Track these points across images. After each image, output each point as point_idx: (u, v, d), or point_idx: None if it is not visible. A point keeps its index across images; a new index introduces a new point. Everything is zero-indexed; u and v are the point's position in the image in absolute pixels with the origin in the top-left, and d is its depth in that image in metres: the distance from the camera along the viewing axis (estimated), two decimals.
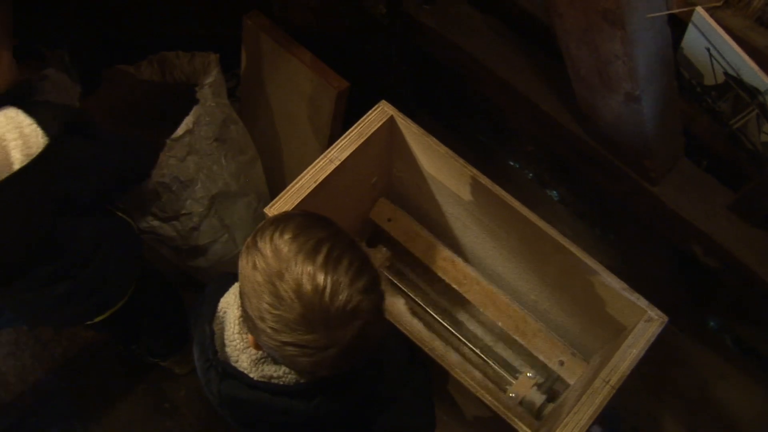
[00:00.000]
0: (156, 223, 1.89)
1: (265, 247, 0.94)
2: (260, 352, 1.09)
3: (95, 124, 1.56)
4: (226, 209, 1.98)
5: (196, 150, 1.83)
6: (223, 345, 1.13)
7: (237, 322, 1.11)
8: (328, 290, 0.91)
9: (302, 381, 1.09)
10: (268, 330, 0.93)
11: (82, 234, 1.58)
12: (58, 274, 1.56)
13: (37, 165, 1.31)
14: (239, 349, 1.11)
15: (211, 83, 1.82)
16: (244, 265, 0.97)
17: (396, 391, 1.27)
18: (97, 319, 1.75)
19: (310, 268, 0.91)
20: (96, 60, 2.05)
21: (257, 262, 0.94)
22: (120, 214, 1.76)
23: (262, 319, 0.93)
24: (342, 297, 0.91)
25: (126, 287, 1.76)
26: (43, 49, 1.75)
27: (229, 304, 1.15)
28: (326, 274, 0.91)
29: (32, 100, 1.41)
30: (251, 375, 1.10)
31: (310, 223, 0.97)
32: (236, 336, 1.11)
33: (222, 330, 1.14)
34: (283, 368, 1.09)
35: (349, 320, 0.92)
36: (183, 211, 1.88)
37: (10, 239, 1.40)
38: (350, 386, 1.12)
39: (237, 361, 1.11)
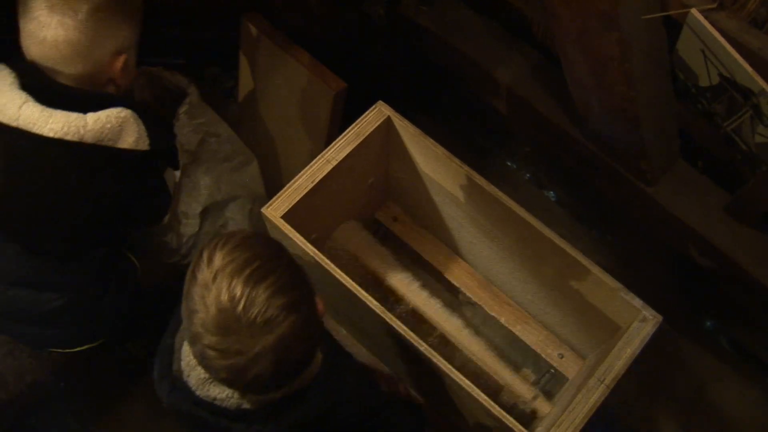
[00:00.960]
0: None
1: (205, 258, 1.01)
2: (207, 374, 1.12)
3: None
4: (218, 217, 2.00)
5: (184, 183, 1.89)
6: (180, 359, 1.17)
7: None
8: (242, 301, 0.96)
9: (244, 406, 1.12)
10: (194, 332, 0.99)
11: (93, 257, 1.59)
12: (57, 283, 1.57)
13: (132, 160, 1.41)
14: (191, 366, 1.14)
15: (185, 111, 1.84)
16: (188, 272, 1.03)
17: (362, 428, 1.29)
18: (76, 349, 1.76)
19: (233, 281, 0.97)
20: None
21: (196, 271, 1.01)
22: (130, 255, 1.78)
23: (191, 323, 1.00)
24: (255, 310, 0.96)
25: (112, 329, 1.78)
26: None
27: None
28: (245, 287, 0.97)
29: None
30: (197, 393, 1.14)
31: (253, 243, 1.03)
32: (190, 353, 1.14)
33: (181, 344, 1.19)
34: (227, 392, 1.12)
35: (261, 332, 0.97)
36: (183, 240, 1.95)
37: (66, 199, 1.43)
38: (292, 416, 1.14)
39: (188, 377, 1.15)
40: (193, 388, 1.14)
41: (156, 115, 1.71)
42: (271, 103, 2.06)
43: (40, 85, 1.32)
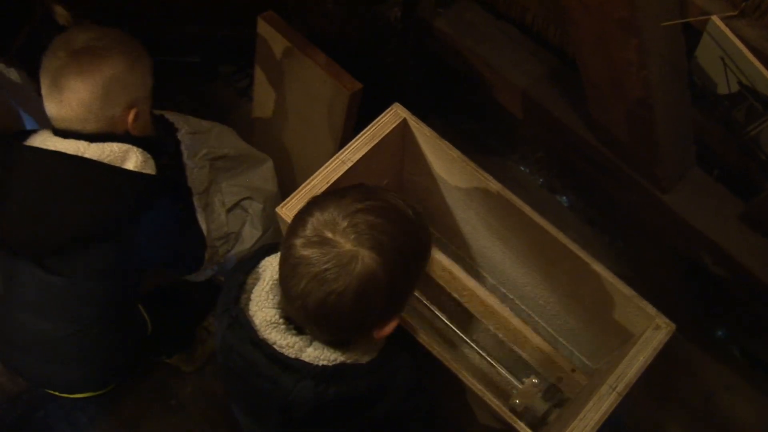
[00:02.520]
0: None
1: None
2: (275, 317, 1.13)
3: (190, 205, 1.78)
4: (234, 223, 2.02)
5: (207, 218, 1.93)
6: (249, 298, 1.17)
7: (271, 282, 1.16)
8: (345, 222, 1.02)
9: (301, 359, 1.11)
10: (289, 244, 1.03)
11: (103, 294, 1.59)
12: (66, 312, 1.58)
13: (135, 179, 1.47)
14: (260, 306, 1.14)
15: (187, 155, 1.89)
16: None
17: (397, 419, 1.28)
18: (74, 395, 1.82)
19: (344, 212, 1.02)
20: None
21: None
22: (142, 310, 1.81)
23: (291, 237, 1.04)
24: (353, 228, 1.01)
25: (113, 376, 1.81)
26: None
27: (272, 263, 1.19)
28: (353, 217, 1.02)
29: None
30: (258, 333, 1.13)
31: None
32: (264, 293, 1.15)
33: (254, 284, 1.18)
34: (288, 340, 1.12)
35: (353, 245, 1.00)
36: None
37: (64, 210, 1.46)
38: (340, 387, 1.13)
39: (253, 315, 1.14)
40: (256, 328, 1.13)
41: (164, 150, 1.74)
42: (286, 103, 2.06)
43: (67, 134, 1.46)
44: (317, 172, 1.51)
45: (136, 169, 1.47)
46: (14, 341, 1.66)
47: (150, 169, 1.50)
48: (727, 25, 1.18)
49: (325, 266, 1.00)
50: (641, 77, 1.37)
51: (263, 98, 2.14)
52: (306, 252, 1.01)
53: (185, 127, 1.90)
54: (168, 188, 1.57)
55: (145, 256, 1.59)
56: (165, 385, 2.24)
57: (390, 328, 1.10)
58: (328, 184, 1.49)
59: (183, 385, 2.24)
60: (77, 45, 1.42)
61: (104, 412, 2.20)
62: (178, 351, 2.17)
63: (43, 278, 1.50)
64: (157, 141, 1.61)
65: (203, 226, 1.87)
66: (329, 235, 1.01)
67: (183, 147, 1.87)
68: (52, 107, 1.44)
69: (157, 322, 1.87)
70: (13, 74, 2.06)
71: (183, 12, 2.27)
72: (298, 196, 1.48)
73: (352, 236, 1.00)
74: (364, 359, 1.15)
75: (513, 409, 1.67)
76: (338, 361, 1.12)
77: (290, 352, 1.12)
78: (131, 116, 1.48)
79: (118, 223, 1.48)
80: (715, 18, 1.18)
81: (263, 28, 1.95)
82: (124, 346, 1.75)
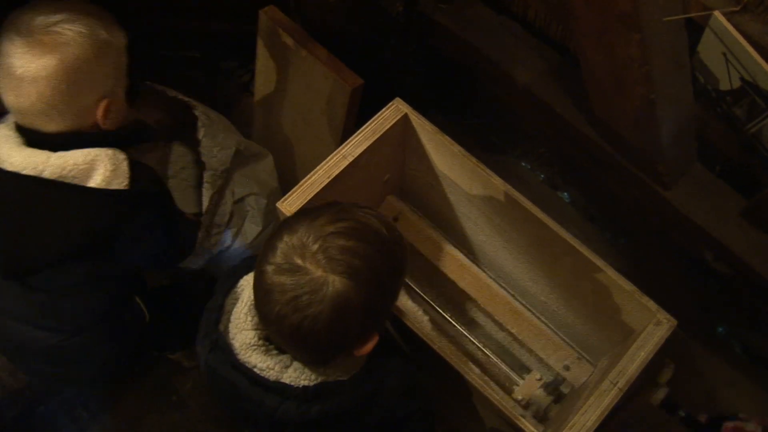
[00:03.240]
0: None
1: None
2: (254, 339, 1.12)
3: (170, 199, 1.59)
4: (237, 216, 2.02)
5: (215, 201, 1.93)
6: (228, 320, 1.17)
7: (249, 302, 1.14)
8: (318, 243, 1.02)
9: (282, 380, 1.12)
10: (261, 270, 1.04)
11: (90, 303, 1.57)
12: (53, 322, 1.56)
13: (102, 198, 1.33)
14: (239, 328, 1.14)
15: (204, 133, 1.88)
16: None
17: (392, 424, 1.28)
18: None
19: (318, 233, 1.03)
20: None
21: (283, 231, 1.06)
22: (139, 302, 1.75)
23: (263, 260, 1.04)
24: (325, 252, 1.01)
25: (111, 372, 1.79)
26: None
27: (249, 283, 1.18)
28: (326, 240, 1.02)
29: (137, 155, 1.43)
30: (238, 356, 1.13)
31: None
32: (242, 315, 1.14)
33: (233, 305, 1.17)
34: (268, 362, 1.12)
35: (326, 271, 1.00)
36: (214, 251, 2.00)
37: (33, 234, 1.37)
38: (324, 405, 1.14)
39: (233, 339, 1.14)
40: (236, 351, 1.13)
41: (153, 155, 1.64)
42: (287, 98, 2.06)
43: (31, 133, 1.31)
44: (318, 167, 1.51)
45: (103, 185, 1.32)
46: (17, 347, 1.66)
47: (121, 178, 1.34)
48: (729, 20, 1.18)
49: (297, 293, 1.00)
50: (643, 73, 1.37)
51: (264, 93, 2.13)
52: (278, 279, 1.01)
53: (200, 107, 1.89)
54: (145, 200, 1.42)
55: (127, 264, 1.53)
56: (166, 381, 2.25)
57: (370, 345, 1.10)
58: (330, 179, 1.49)
59: (184, 381, 2.24)
60: (33, 25, 1.22)
61: (105, 408, 2.20)
62: (180, 348, 2.17)
63: (26, 294, 1.48)
64: (135, 129, 1.46)
65: (204, 203, 1.84)
66: (299, 261, 1.01)
67: (200, 123, 1.84)
68: (9, 98, 1.27)
69: (158, 318, 1.87)
70: None
71: (184, 6, 2.26)
72: (298, 191, 1.48)
73: (323, 261, 1.00)
74: (346, 376, 1.15)
75: (515, 404, 1.67)
76: (319, 381, 1.12)
77: (270, 375, 1.12)
78: (101, 110, 1.31)
79: (93, 241, 1.38)
80: (717, 13, 1.18)
81: (264, 22, 1.95)
82: (123, 339, 1.74)
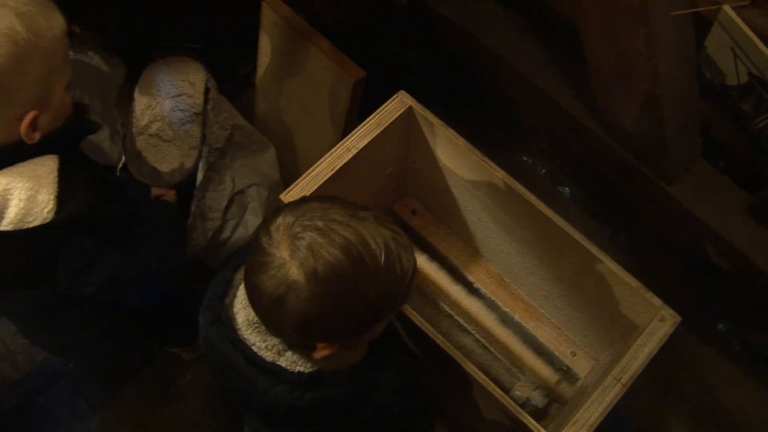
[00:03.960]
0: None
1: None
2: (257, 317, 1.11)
3: (124, 220, 1.33)
4: (238, 206, 2.01)
5: (208, 178, 1.91)
6: (234, 295, 1.16)
7: None
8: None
9: (278, 362, 1.11)
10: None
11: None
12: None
13: (21, 238, 1.14)
14: (243, 304, 1.13)
15: (212, 107, 1.85)
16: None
17: (387, 420, 1.27)
18: None
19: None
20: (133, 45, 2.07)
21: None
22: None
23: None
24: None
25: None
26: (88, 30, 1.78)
27: None
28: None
29: (77, 163, 1.22)
30: (239, 332, 1.12)
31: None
32: None
33: (242, 282, 1.15)
34: (268, 342, 1.11)
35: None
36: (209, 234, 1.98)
37: None
38: (317, 394, 1.12)
39: (236, 313, 1.14)
40: (237, 327, 1.12)
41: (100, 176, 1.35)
42: (290, 91, 2.05)
43: None
44: (322, 159, 1.50)
45: (16, 221, 1.11)
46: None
47: (43, 207, 1.12)
48: (738, 14, 1.17)
49: (267, 264, 0.99)
50: (650, 67, 1.36)
51: (266, 86, 2.13)
52: (259, 246, 1.00)
53: (214, 87, 1.88)
54: (78, 222, 1.18)
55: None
56: (165, 373, 2.24)
57: (325, 352, 1.06)
58: (333, 171, 1.48)
59: (183, 373, 2.24)
60: None
61: (105, 399, 2.20)
62: (181, 343, 2.16)
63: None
64: (69, 131, 1.22)
65: (199, 176, 1.81)
66: (278, 236, 0.99)
67: (210, 95, 1.83)
68: None
69: (158, 313, 1.85)
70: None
71: None
72: (302, 183, 1.47)
73: (294, 247, 0.97)
74: (343, 367, 1.14)
75: (515, 400, 1.67)
76: (315, 369, 1.11)
77: (268, 355, 1.11)
78: (24, 125, 1.09)
79: (28, 273, 1.22)
80: (726, 7, 1.17)
81: (267, 14, 1.94)
82: (122, 323, 1.68)
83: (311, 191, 1.47)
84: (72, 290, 1.26)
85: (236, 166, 1.98)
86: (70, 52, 1.86)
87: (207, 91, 1.86)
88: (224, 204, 1.95)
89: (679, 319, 1.40)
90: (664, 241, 1.98)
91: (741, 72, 1.27)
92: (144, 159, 1.88)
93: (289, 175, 2.13)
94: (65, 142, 1.19)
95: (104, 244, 1.26)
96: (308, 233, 0.98)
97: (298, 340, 1.09)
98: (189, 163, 1.88)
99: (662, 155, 1.60)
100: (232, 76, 2.48)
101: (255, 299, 1.03)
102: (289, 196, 1.46)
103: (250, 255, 1.02)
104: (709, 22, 1.24)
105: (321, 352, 1.06)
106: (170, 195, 1.75)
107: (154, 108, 1.90)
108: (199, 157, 1.85)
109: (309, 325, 1.01)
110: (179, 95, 1.90)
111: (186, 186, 1.87)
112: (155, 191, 1.75)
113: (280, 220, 1.01)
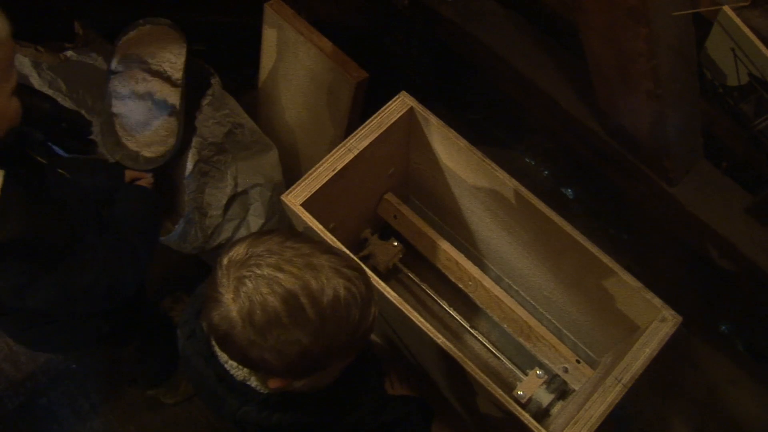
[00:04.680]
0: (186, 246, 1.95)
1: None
2: None
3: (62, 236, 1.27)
4: (239, 206, 2.01)
5: (205, 172, 1.89)
6: None
7: None
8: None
9: (248, 383, 1.11)
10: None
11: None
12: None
13: None
14: None
15: (209, 102, 1.84)
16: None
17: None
18: None
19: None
20: None
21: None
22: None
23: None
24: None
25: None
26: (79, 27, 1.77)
27: None
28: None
29: (23, 179, 1.17)
30: (214, 349, 1.12)
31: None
32: None
33: None
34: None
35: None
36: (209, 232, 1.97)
37: None
38: (285, 416, 1.12)
39: None
40: (213, 342, 1.11)
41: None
42: (292, 91, 2.05)
43: None
44: (323, 160, 1.50)
45: None
46: None
47: None
48: (738, 15, 1.17)
49: (217, 303, 0.97)
50: (650, 68, 1.36)
51: (268, 86, 2.13)
52: (218, 277, 0.98)
53: (217, 83, 1.88)
54: (9, 248, 1.15)
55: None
56: None
57: (279, 383, 1.03)
58: (334, 172, 1.49)
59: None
60: None
61: (106, 399, 2.21)
62: (157, 382, 2.13)
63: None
64: (14, 140, 1.16)
65: (189, 166, 1.80)
66: (232, 274, 0.96)
67: (209, 91, 1.83)
68: None
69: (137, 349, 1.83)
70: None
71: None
72: (303, 183, 1.48)
73: (240, 298, 0.95)
74: (312, 389, 1.12)
75: (516, 400, 1.67)
76: (286, 392, 1.10)
77: (238, 374, 1.11)
78: None
79: None
80: (726, 8, 1.17)
81: (270, 15, 1.94)
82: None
83: (312, 192, 1.47)
84: (14, 305, 1.24)
85: (239, 166, 1.97)
86: (72, 53, 1.88)
87: (209, 87, 1.85)
88: (224, 201, 1.94)
89: (680, 319, 1.40)
90: (666, 241, 1.98)
91: (741, 73, 1.27)
92: (119, 141, 1.83)
93: (292, 175, 2.13)
94: (10, 152, 1.14)
95: (38, 267, 1.22)
96: (253, 279, 0.95)
97: (249, 371, 1.10)
98: (164, 149, 1.82)
99: (664, 155, 1.60)
100: (234, 77, 2.49)
101: (209, 330, 1.00)
102: (290, 196, 1.46)
103: (209, 284, 0.99)
104: (710, 22, 1.24)
105: (272, 383, 1.04)
106: (146, 179, 1.72)
107: (131, 87, 1.85)
108: (178, 141, 1.78)
109: (250, 363, 1.00)
110: (155, 75, 1.85)
111: (162, 167, 1.82)
112: (131, 174, 1.72)
113: (234, 252, 0.98)
